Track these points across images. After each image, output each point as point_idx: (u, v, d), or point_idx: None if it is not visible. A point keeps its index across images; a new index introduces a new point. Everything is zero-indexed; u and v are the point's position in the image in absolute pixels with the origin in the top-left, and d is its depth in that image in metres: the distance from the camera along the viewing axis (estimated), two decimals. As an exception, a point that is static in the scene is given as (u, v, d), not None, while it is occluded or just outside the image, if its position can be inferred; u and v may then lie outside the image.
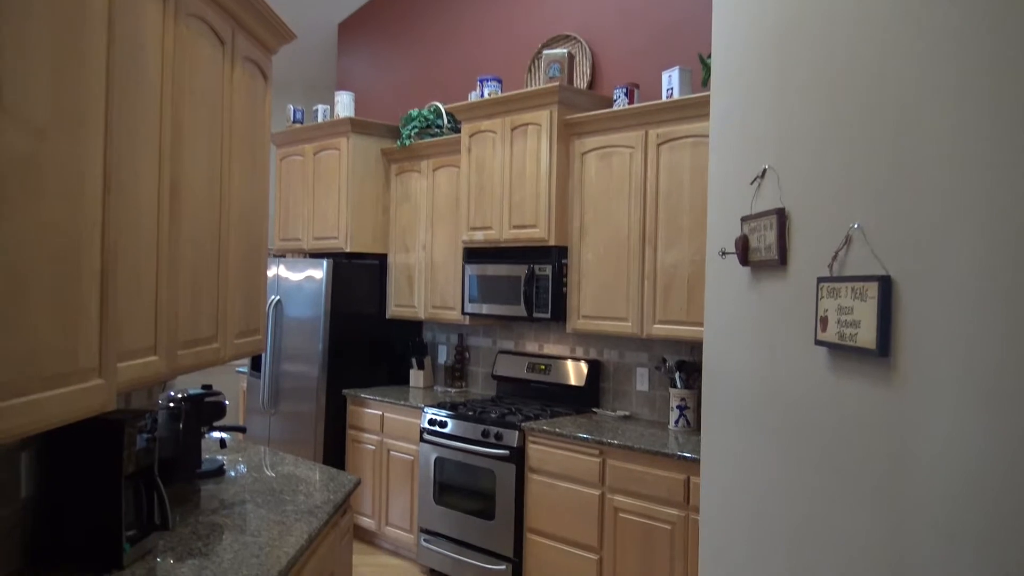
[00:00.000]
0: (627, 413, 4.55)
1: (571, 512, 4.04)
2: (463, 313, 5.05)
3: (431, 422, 4.74)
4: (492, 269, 4.83)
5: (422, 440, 4.80)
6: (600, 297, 4.36)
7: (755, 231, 2.21)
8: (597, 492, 3.94)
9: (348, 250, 5.56)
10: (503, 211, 4.75)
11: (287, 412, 5.59)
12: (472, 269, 4.96)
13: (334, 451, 5.42)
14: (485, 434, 4.43)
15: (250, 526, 2.46)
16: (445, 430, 4.66)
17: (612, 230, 4.31)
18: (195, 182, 2.29)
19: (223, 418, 3.17)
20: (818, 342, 1.75)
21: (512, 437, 4.30)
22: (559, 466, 4.11)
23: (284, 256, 6.10)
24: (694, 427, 4.14)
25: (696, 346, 4.24)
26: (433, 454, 4.73)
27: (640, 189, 4.18)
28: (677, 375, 4.19)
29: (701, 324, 3.96)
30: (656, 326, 4.11)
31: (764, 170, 2.19)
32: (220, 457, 3.26)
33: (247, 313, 2.81)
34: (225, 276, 2.55)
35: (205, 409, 3.08)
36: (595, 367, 4.72)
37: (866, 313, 1.51)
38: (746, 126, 2.39)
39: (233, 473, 3.11)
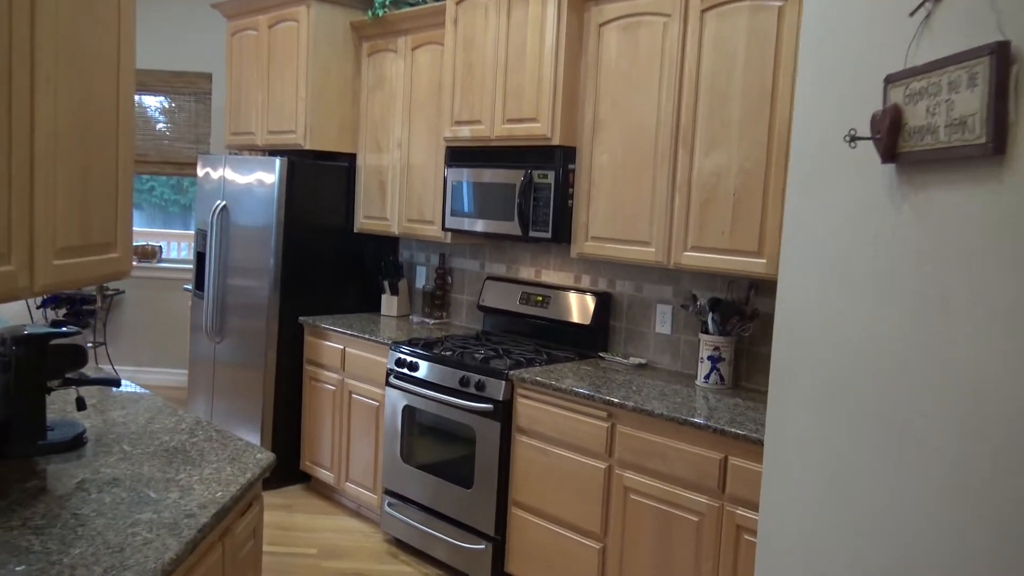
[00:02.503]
0: (643, 361, 3.63)
1: (568, 487, 3.17)
2: (443, 229, 4.08)
3: (399, 363, 3.83)
4: (480, 175, 3.84)
5: (388, 384, 3.89)
6: (616, 213, 3.39)
7: (921, 96, 1.23)
8: (603, 465, 3.06)
9: (307, 147, 4.55)
10: (495, 101, 3.73)
11: (235, 334, 4.67)
12: (455, 174, 3.96)
13: (288, 385, 4.53)
14: (464, 382, 3.52)
15: (71, 552, 1.56)
16: (416, 374, 3.75)
17: (635, 126, 3.30)
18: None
19: (82, 366, 2.27)
20: None
21: (497, 388, 3.39)
22: (555, 428, 3.21)
23: (241, 154, 5.09)
24: (729, 384, 3.24)
25: (736, 282, 3.29)
26: (401, 401, 3.83)
27: (675, 72, 3.16)
28: (710, 317, 3.26)
29: (749, 253, 3.01)
30: (687, 253, 3.15)
31: (948, -17, 1.20)
32: (84, 421, 2.36)
33: (86, 219, 1.85)
34: (26, 158, 1.59)
35: (52, 355, 2.17)
36: (604, 301, 3.78)
37: None
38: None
39: (95, 446, 2.21)
